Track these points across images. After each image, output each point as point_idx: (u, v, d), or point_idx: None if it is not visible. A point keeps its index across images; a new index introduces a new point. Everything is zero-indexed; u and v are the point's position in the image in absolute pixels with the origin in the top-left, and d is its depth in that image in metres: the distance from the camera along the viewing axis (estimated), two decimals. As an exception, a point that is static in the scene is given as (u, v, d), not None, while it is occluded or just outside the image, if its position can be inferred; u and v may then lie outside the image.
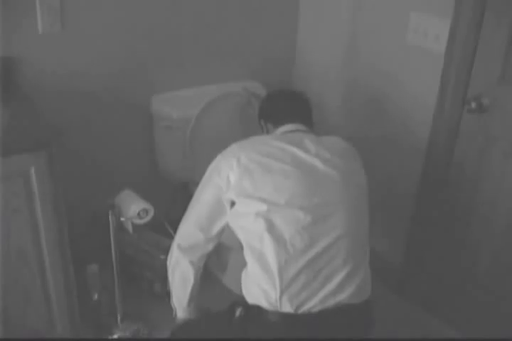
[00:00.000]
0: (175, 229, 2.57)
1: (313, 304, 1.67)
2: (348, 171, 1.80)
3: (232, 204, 1.79)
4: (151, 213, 2.18)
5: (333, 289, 1.69)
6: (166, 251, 2.55)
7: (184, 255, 1.93)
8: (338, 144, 1.91)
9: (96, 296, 2.44)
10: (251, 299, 1.73)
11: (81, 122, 2.43)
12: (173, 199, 2.76)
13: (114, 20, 2.38)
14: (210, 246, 1.91)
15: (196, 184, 2.60)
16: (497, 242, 2.28)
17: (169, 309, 2.52)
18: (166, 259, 2.49)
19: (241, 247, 1.84)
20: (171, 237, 2.56)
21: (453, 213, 2.40)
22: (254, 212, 1.71)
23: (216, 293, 2.34)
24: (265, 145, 1.83)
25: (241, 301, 1.76)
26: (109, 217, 2.19)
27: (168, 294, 2.56)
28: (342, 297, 1.69)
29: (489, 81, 2.14)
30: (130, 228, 2.22)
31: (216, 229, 1.86)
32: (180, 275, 1.95)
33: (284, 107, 2.08)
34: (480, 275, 2.37)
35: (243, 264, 1.91)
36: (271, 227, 1.69)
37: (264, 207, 1.70)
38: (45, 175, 1.88)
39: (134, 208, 2.16)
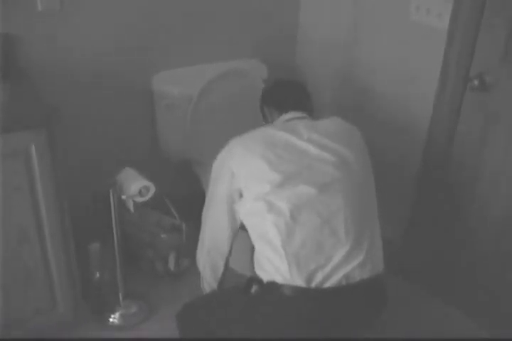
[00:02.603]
0: (176, 207, 2.59)
1: (322, 276, 1.72)
2: (343, 152, 1.86)
3: (241, 195, 1.88)
4: (152, 191, 2.17)
5: (339, 261, 1.73)
6: (167, 229, 2.57)
7: (214, 248, 2.00)
8: (334, 126, 1.98)
9: (97, 275, 2.46)
10: (266, 276, 1.79)
11: (81, 100, 2.41)
12: (175, 177, 2.77)
13: (114, -2, 2.35)
14: (234, 237, 1.98)
15: (197, 162, 2.62)
16: (497, 230, 2.27)
17: (170, 287, 2.55)
18: (167, 238, 2.53)
19: (243, 229, 1.91)
20: (173, 216, 2.58)
21: (454, 195, 2.39)
22: (254, 195, 1.80)
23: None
24: (260, 134, 1.93)
25: (256, 279, 1.82)
26: (110, 195, 2.18)
27: (168, 273, 2.58)
28: (349, 268, 1.74)
29: (492, 59, 2.12)
30: (131, 206, 2.21)
31: (239, 219, 1.93)
32: (211, 265, 2.03)
33: (289, 95, 2.16)
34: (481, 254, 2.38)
35: (246, 246, 1.97)
36: (271, 207, 1.76)
37: (262, 189, 1.78)
38: (45, 152, 1.87)
39: (135, 186, 2.14)
